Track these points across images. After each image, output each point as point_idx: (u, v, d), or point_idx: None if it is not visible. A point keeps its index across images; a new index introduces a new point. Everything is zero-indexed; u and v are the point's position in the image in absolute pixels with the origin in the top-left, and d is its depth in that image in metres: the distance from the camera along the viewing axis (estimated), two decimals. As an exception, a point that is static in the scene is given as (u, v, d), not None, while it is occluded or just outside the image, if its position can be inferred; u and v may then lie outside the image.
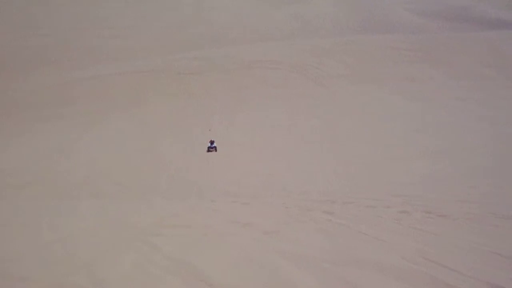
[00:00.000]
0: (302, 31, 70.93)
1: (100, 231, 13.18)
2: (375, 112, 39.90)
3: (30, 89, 49.81)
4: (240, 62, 51.91)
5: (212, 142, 34.50)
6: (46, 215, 15.66)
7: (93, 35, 68.72)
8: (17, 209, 17.54)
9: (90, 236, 12.68)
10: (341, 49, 54.73)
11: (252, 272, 9.85)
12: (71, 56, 60.94)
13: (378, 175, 25.08)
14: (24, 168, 29.69)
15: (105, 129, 38.93)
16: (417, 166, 26.41)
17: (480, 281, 8.69)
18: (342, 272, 9.52)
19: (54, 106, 45.31)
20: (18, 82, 52.02)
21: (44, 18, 74.09)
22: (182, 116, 41.25)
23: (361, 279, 9.12)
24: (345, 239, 11.73)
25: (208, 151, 33.95)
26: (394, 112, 39.73)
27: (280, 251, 10.76)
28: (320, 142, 33.76)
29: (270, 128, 37.24)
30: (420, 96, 43.27)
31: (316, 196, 19.76)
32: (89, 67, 55.79)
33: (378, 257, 10.09)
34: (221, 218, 14.56)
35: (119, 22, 73.32)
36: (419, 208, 14.61)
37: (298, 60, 52.00)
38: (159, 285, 9.43)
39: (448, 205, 15.08)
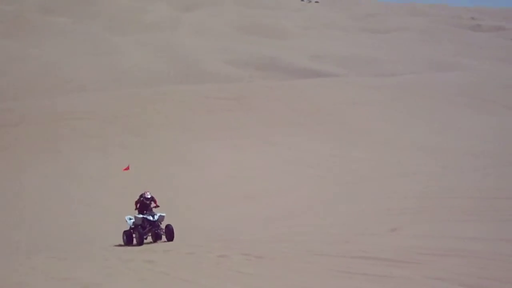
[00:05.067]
0: (117, 81, 70.42)
1: None
2: (197, 161, 40.39)
3: None
4: (53, 113, 50.36)
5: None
6: None
7: None
8: None
9: None
10: (158, 98, 54.94)
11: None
12: None
13: (196, 222, 25.50)
14: None
15: None
16: (233, 211, 27.20)
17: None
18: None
19: None
20: None
21: None
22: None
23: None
24: (165, 286, 11.85)
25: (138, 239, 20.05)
26: (211, 160, 40.49)
27: (100, 303, 10.66)
28: (135, 193, 33.50)
29: (86, 180, 36.48)
30: (233, 143, 44.47)
31: (136, 246, 19.70)
32: None
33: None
34: (38, 275, 14.09)
35: None
36: (237, 251, 15.08)
37: (114, 110, 51.43)
38: None
39: (264, 246, 15.73)
